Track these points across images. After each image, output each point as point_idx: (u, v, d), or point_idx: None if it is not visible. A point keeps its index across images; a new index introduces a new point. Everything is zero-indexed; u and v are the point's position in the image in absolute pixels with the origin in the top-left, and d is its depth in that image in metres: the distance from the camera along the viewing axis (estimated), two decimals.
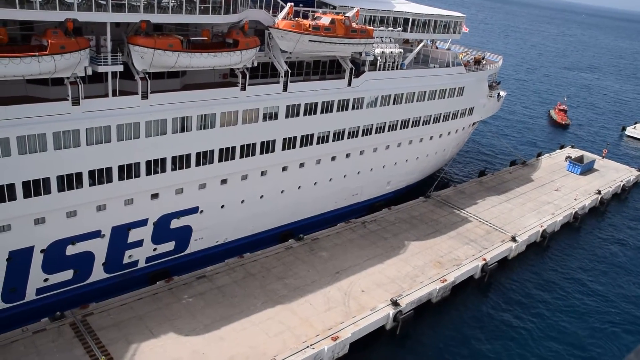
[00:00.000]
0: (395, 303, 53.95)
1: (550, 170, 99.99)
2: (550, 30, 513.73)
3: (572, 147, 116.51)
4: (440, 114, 77.42)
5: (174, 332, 46.57)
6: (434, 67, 74.58)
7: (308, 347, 47.13)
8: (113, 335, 45.46)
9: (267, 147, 56.43)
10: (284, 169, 59.80)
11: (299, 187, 62.84)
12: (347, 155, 66.59)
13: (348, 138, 64.73)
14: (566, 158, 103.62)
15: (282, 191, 61.06)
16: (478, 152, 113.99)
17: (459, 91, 78.40)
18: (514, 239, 71.27)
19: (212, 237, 57.09)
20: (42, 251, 45.44)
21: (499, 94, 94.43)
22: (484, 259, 65.23)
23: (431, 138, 79.02)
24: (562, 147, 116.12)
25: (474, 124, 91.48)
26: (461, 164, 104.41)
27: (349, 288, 55.59)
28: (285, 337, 47.93)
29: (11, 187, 41.54)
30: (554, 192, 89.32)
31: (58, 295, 47.97)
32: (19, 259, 44.49)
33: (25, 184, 42.13)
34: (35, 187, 42.68)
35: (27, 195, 42.48)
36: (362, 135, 66.41)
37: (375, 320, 51.88)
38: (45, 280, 46.84)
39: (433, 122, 76.84)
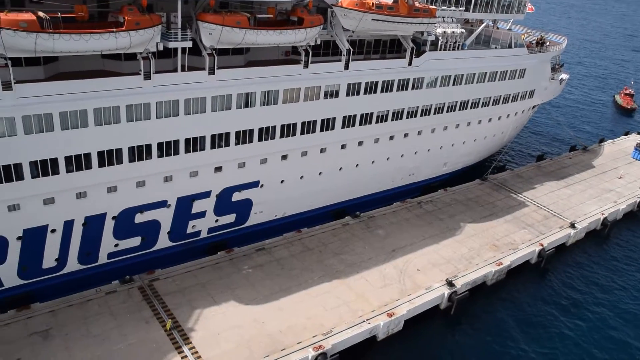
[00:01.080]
0: (450, 283, 54.20)
1: (613, 157, 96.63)
2: (619, 8, 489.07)
3: (639, 133, 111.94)
4: (500, 96, 76.05)
5: (235, 300, 48.50)
6: (496, 48, 73.14)
7: (364, 321, 48.18)
8: (178, 300, 47.82)
9: (327, 124, 57.17)
10: (343, 146, 60.47)
11: (357, 165, 63.46)
12: (405, 135, 66.58)
13: (407, 118, 64.65)
14: (638, 145, 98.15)
15: (340, 168, 61.83)
16: (537, 135, 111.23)
17: (520, 73, 76.66)
18: (572, 226, 69.76)
19: (271, 211, 58.64)
20: (113, 218, 48.00)
21: (561, 77, 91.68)
22: (541, 244, 64.30)
23: (490, 120, 77.84)
24: (627, 133, 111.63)
25: (534, 107, 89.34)
26: (519, 148, 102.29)
27: (404, 266, 56.15)
28: (341, 311, 49.12)
29: (88, 156, 43.96)
30: (617, 180, 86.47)
31: (127, 260, 50.67)
32: (93, 225, 47.18)
33: (100, 154, 44.46)
34: (109, 157, 44.97)
35: (101, 164, 44.85)
36: (421, 115, 66.19)
37: (430, 299, 52.38)
38: (116, 245, 49.52)
39: (492, 104, 75.62)
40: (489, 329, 53.87)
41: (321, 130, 56.85)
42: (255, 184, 55.07)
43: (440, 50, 64.36)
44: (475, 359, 50.15)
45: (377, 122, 61.62)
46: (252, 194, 55.59)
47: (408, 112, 64.39)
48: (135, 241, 50.49)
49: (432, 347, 51.03)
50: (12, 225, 43.37)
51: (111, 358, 41.58)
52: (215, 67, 47.80)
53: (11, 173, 41.11)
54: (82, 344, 42.51)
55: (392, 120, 63.19)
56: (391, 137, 65.00)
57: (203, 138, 49.27)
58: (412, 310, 50.64)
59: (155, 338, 43.83)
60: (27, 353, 41.18)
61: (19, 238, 43.97)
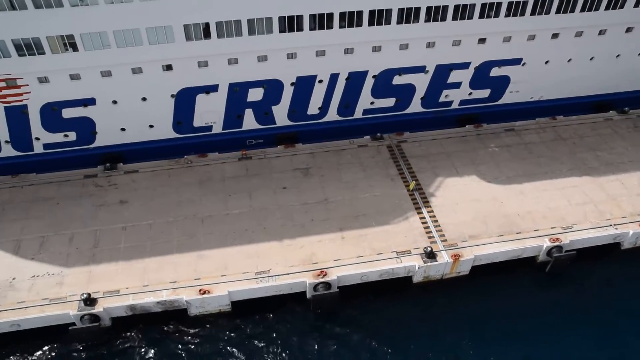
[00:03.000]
0: None
1: None
2: None
3: None
4: None
5: (477, 175, 48.83)
6: None
7: (611, 225, 45.06)
8: (422, 165, 49.89)
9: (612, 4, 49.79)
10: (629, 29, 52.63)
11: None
12: None
13: None
14: None
15: (618, 55, 54.52)
16: None
17: None
18: None
19: (528, 92, 55.32)
20: (373, 77, 50.20)
21: None
22: None
23: None
24: None
25: None
26: None
27: None
28: (587, 209, 46.39)
29: (359, 14, 45.07)
30: None
31: (379, 119, 53.50)
32: (355, 81, 50.04)
33: (371, 13, 45.19)
34: (379, 17, 45.76)
35: (370, 23, 45.98)
36: None
37: None
38: (372, 103, 52.31)
39: None
40: None
41: (606, 8, 49.82)
42: (517, 61, 51.88)
43: None
44: None
45: None
46: (511, 71, 52.73)
47: None
48: (390, 102, 52.61)
49: None
50: (288, 72, 48.22)
51: (358, 204, 46.15)
52: None
53: (293, 24, 44.73)
54: (334, 186, 47.75)
55: None
56: None
57: (472, 6, 46.99)
58: None
59: (398, 195, 47.07)
60: (291, 183, 47.88)
61: (292, 84, 49.00)
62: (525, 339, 40.64)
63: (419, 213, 45.51)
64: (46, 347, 39.65)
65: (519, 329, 41.11)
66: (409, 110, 53.81)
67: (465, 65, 51.19)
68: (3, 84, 44.16)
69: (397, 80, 50.99)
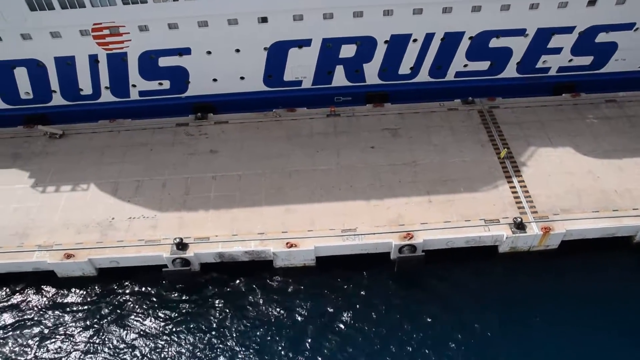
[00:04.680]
0: None
1: None
2: None
3: None
4: None
5: (573, 147, 46.71)
6: None
7: None
8: (514, 132, 48.17)
9: None
10: None
11: None
12: None
13: None
14: None
15: None
16: None
17: None
18: None
19: (636, 60, 51.81)
20: (469, 38, 48.32)
21: None
22: None
23: None
24: None
25: None
26: None
27: None
28: None
29: None
30: None
31: (472, 82, 51.70)
32: (450, 42, 48.35)
33: None
34: None
35: None
36: None
37: None
38: (465, 65, 50.54)
39: None
40: None
41: None
42: (628, 26, 48.44)
43: None
44: None
45: None
46: (620, 37, 49.29)
47: None
48: (484, 65, 50.67)
49: None
50: (383, 29, 47.15)
51: (447, 168, 45.38)
52: None
53: None
54: (423, 149, 47.03)
55: None
56: None
57: None
58: None
59: (488, 162, 45.84)
60: (379, 143, 47.54)
61: (385, 42, 47.95)
62: (607, 324, 38.76)
63: (509, 182, 44.24)
64: (140, 284, 41.97)
65: (605, 312, 39.44)
66: (502, 75, 51.65)
67: (569, 30, 48.31)
68: (106, 32, 45.67)
69: (494, 43, 48.84)
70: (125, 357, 38.33)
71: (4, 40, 45.53)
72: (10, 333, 39.87)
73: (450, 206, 42.65)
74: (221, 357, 38.02)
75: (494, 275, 41.86)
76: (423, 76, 51.19)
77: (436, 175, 44.86)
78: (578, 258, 42.09)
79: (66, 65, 48.11)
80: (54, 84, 49.57)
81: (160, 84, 50.12)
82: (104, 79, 49.43)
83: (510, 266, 41.92)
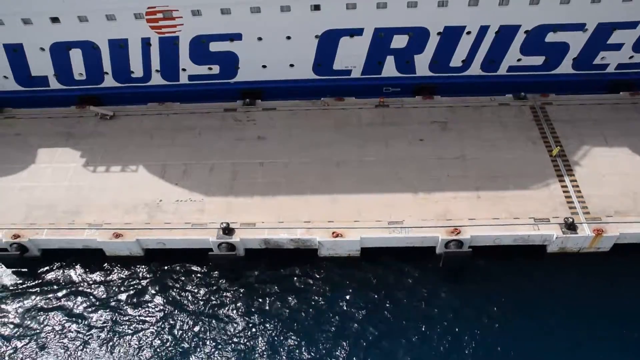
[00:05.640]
0: None
1: None
2: None
3: None
4: None
5: (629, 147, 45.21)
6: None
7: None
8: (567, 131, 46.90)
9: None
10: None
11: None
12: None
13: None
14: None
15: None
16: None
17: None
18: None
19: None
20: (525, 32, 47.05)
21: None
22: None
23: None
24: None
25: None
26: None
27: None
28: None
29: None
30: None
31: (525, 77, 50.42)
32: (505, 35, 47.21)
33: None
34: None
35: None
36: None
37: None
38: (518, 60, 49.29)
39: None
40: None
41: None
42: None
43: None
44: None
45: None
46: None
47: None
48: (538, 60, 49.31)
49: None
50: (437, 20, 46.28)
51: (496, 164, 44.52)
52: None
53: None
54: (472, 143, 46.25)
55: None
56: None
57: None
58: None
59: (539, 159, 44.79)
60: (427, 136, 46.96)
61: (439, 33, 47.09)
62: None
63: (560, 181, 43.14)
64: (185, 266, 42.58)
65: None
66: (557, 71, 50.20)
67: (634, 25, 46.58)
68: (160, 15, 46.04)
69: (551, 37, 47.45)
70: (167, 336, 38.99)
71: (62, 22, 46.41)
72: (60, 304, 41.14)
73: (499, 203, 41.85)
74: (263, 341, 38.34)
75: (541, 275, 40.95)
76: (475, 70, 50.11)
77: (485, 171, 44.04)
78: (631, 263, 40.87)
79: (119, 47, 48.77)
80: (107, 65, 50.28)
81: (210, 68, 50.37)
82: (155, 62, 49.91)
83: (558, 267, 40.94)
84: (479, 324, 38.44)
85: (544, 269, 41.07)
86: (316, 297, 40.27)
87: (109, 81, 51.74)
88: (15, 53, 49.03)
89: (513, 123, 47.74)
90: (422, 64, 49.56)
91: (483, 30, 47.04)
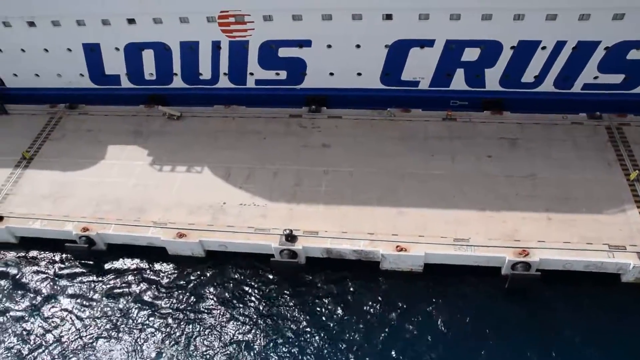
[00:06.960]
0: None
1: None
2: None
3: None
4: None
5: None
6: None
7: None
8: None
9: None
10: None
11: None
12: None
13: None
14: None
15: None
16: None
17: None
18: None
19: None
20: (605, 49, 45.20)
21: None
22: None
23: None
24: None
25: None
26: None
27: None
28: None
29: None
30: None
31: (601, 96, 48.44)
32: (583, 50, 45.46)
33: None
34: None
35: None
36: None
37: None
38: (595, 77, 47.38)
39: None
40: None
41: None
42: None
43: None
44: None
45: None
46: None
47: None
48: (617, 78, 47.18)
49: None
50: (511, 34, 45.01)
51: (567, 185, 42.86)
52: None
53: None
54: (543, 162, 44.68)
55: None
56: None
57: None
58: None
59: (615, 183, 42.84)
60: (496, 152, 45.72)
61: (512, 47, 45.82)
62: None
63: (639, 207, 41.22)
64: (245, 271, 42.68)
65: None
66: (637, 90, 48.17)
67: None
68: (232, 19, 46.57)
69: (633, 55, 45.37)
70: (225, 337, 39.12)
71: (137, 24, 47.57)
72: (122, 297, 42.03)
73: (571, 226, 40.22)
74: (320, 348, 37.96)
75: (613, 306, 38.96)
76: (547, 86, 48.48)
77: (556, 192, 42.47)
78: None
79: (190, 49, 49.62)
80: (177, 67, 51.28)
81: (277, 74, 50.58)
82: (224, 66, 50.53)
83: (633, 298, 39.01)
84: (545, 353, 37.03)
85: (617, 299, 39.13)
86: (376, 309, 39.45)
87: (177, 82, 52.74)
88: (92, 52, 50.63)
89: (587, 143, 45.93)
90: (492, 78, 48.31)
91: (559, 45, 45.44)
